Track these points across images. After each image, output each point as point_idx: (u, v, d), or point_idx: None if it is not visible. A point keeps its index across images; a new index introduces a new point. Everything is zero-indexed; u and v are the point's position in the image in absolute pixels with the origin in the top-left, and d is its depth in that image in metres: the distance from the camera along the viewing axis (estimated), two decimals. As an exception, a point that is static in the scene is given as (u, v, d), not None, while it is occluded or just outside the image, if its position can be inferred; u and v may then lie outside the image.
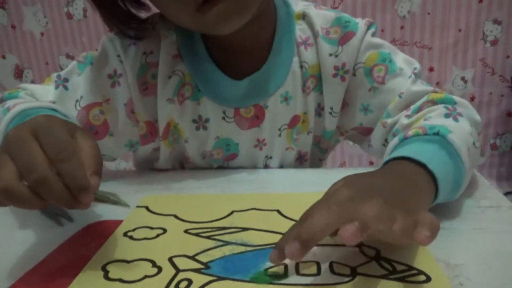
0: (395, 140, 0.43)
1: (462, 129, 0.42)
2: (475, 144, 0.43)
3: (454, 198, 0.39)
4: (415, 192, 0.34)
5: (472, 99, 1.51)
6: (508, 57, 1.47)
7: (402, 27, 1.47)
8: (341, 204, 0.30)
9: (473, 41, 1.46)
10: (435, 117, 0.45)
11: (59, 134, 0.32)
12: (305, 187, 0.49)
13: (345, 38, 0.52)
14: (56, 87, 0.52)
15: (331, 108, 0.55)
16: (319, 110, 0.56)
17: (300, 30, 0.54)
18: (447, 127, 0.41)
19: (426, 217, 0.28)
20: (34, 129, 0.32)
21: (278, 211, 0.42)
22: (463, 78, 1.50)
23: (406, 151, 0.38)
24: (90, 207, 0.32)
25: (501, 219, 0.39)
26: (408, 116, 0.48)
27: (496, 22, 1.44)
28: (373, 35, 0.53)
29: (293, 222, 0.32)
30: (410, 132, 0.42)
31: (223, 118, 0.54)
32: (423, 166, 0.36)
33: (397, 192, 0.33)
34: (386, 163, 0.39)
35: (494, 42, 1.46)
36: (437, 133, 0.40)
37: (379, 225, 0.28)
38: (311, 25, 0.53)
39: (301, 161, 0.60)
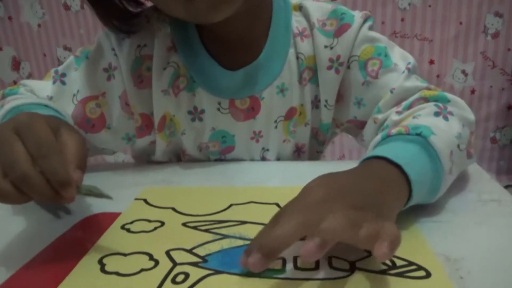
0: (378, 137, 0.42)
1: (448, 130, 0.41)
2: (459, 147, 0.41)
3: (431, 200, 0.39)
4: (387, 193, 0.34)
5: (472, 92, 1.51)
6: (509, 50, 1.46)
7: (402, 20, 1.46)
8: (308, 210, 0.30)
9: (474, 34, 1.45)
10: (424, 116, 0.44)
11: (39, 131, 0.33)
12: (304, 180, 0.48)
13: (340, 31, 0.52)
14: (54, 82, 0.53)
15: (326, 101, 0.54)
16: (316, 102, 0.56)
17: (297, 21, 0.53)
18: (431, 128, 0.39)
19: (388, 229, 0.27)
20: (16, 127, 0.33)
21: (277, 205, 0.41)
22: (463, 71, 1.50)
23: (385, 150, 0.37)
24: (74, 201, 0.33)
25: (502, 213, 0.39)
26: (398, 113, 0.47)
27: (497, 15, 1.43)
28: (370, 28, 0.52)
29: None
30: (393, 131, 0.41)
31: (218, 109, 0.54)
32: (399, 167, 0.35)
33: (370, 194, 0.32)
34: (365, 159, 0.38)
35: (495, 35, 1.45)
36: (419, 134, 0.39)
37: (343, 235, 0.28)
38: (307, 17, 0.53)
39: (298, 154, 0.60)
